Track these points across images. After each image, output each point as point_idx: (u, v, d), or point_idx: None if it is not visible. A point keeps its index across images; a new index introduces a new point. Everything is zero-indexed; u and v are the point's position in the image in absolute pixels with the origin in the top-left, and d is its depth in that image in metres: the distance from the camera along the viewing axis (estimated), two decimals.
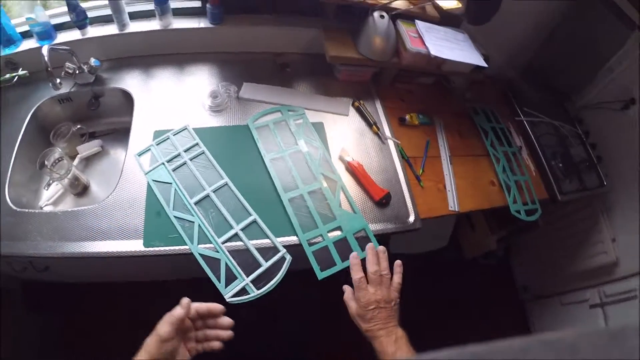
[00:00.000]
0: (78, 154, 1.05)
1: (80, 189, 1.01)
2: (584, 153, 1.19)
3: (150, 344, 0.53)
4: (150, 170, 0.86)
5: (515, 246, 1.59)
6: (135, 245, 0.79)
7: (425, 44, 0.97)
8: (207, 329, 0.60)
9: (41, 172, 0.99)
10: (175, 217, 0.80)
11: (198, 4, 1.00)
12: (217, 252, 0.78)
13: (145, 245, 0.79)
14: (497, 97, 1.22)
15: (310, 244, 0.80)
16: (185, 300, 0.56)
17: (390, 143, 0.96)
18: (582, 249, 1.29)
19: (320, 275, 0.77)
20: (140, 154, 0.89)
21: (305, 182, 0.86)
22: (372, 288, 0.67)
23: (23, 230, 0.82)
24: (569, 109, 1.28)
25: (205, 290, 0.73)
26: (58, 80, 0.91)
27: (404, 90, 1.10)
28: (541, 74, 1.25)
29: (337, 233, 0.82)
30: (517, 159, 1.10)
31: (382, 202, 0.87)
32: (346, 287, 0.71)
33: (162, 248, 0.79)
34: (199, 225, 0.80)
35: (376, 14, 0.94)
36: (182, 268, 1.17)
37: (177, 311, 0.55)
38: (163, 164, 0.87)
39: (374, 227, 0.85)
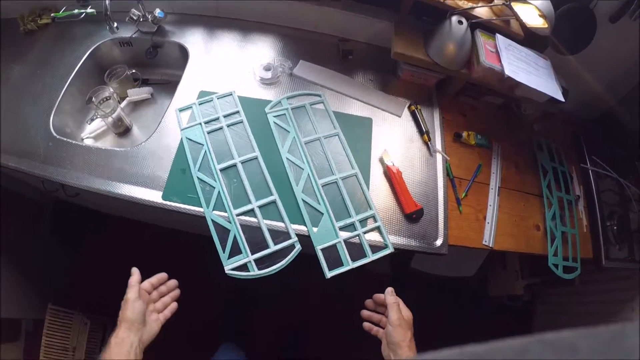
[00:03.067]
0: (127, 96, 1.07)
1: (122, 130, 1.04)
2: None
3: (122, 311, 0.59)
4: (187, 128, 0.86)
5: (544, 295, 1.46)
6: (154, 196, 0.79)
7: (500, 62, 0.88)
8: (161, 298, 0.67)
9: (88, 106, 1.03)
10: (198, 178, 0.79)
11: None
12: (230, 222, 0.75)
13: (164, 198, 0.79)
14: (566, 138, 1.09)
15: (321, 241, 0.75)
16: (134, 268, 0.65)
17: (439, 157, 0.89)
18: (610, 320, 1.17)
19: (328, 274, 0.72)
20: (181, 110, 0.89)
21: (320, 174, 0.81)
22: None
23: (57, 157, 0.86)
24: None
25: (210, 250, 0.75)
26: (115, 25, 0.94)
27: (468, 106, 1.01)
28: (620, 125, 1.11)
29: (348, 229, 0.78)
30: (570, 209, 0.98)
31: (413, 216, 0.80)
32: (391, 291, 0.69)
33: (178, 204, 0.78)
34: (219, 191, 0.78)
35: (454, 19, 0.87)
36: (196, 225, 1.18)
37: (133, 277, 0.64)
38: (200, 124, 0.86)
39: (395, 239, 0.79)
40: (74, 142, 0.89)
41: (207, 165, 0.81)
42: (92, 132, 1.05)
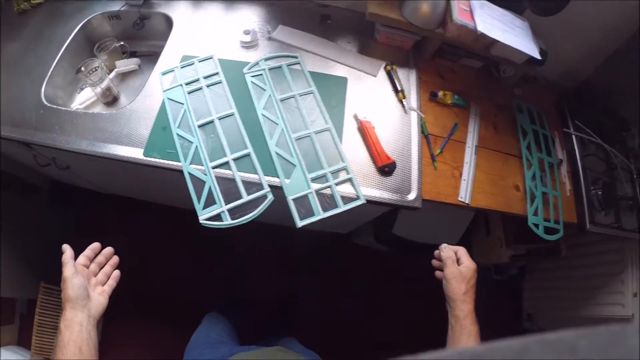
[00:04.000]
0: (116, 68, 1.11)
1: (111, 100, 1.07)
2: (631, 191, 1.03)
3: (63, 292, 0.57)
4: (168, 89, 0.89)
5: (531, 270, 1.46)
6: (136, 153, 0.82)
7: (474, 19, 0.89)
8: (101, 269, 0.65)
9: (79, 77, 1.06)
10: (177, 134, 0.82)
11: None
12: (205, 174, 0.78)
13: (145, 154, 0.81)
14: (549, 104, 1.09)
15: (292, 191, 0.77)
16: (64, 245, 0.61)
17: (413, 115, 0.90)
18: (599, 294, 1.18)
19: (299, 223, 0.74)
20: (164, 73, 0.92)
21: (294, 129, 0.83)
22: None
23: (47, 123, 0.89)
24: (628, 141, 1.12)
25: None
26: None
27: (446, 68, 1.02)
28: (606, 92, 1.10)
29: (320, 181, 0.79)
30: (552, 172, 0.98)
31: (385, 169, 0.82)
32: (446, 247, 0.70)
33: (158, 160, 0.81)
34: (196, 146, 0.80)
35: None
36: (171, 191, 1.20)
37: (65, 254, 0.60)
38: (181, 85, 0.89)
39: (368, 191, 0.80)
40: (63, 108, 0.92)
41: (186, 123, 0.84)
42: (82, 102, 1.08)
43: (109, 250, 0.66)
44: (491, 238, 1.20)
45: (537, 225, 0.91)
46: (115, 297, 0.63)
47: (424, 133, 0.89)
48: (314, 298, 1.50)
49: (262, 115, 0.83)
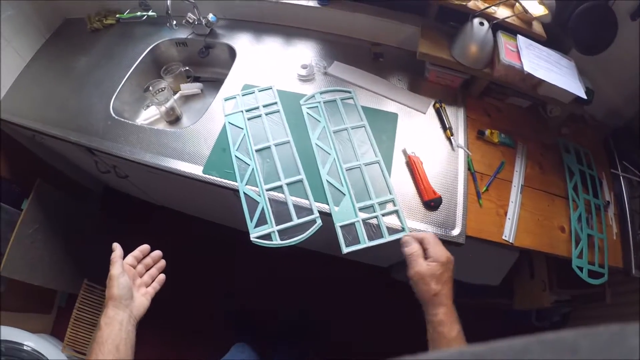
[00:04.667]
0: (180, 90, 1.21)
1: (174, 119, 1.17)
2: None
3: (108, 289, 0.58)
4: (230, 114, 0.96)
5: (575, 318, 1.38)
6: (196, 170, 0.89)
7: (520, 59, 0.91)
8: (147, 271, 0.66)
9: (145, 95, 1.17)
10: (236, 156, 0.88)
11: None
12: (259, 195, 0.83)
13: (204, 172, 0.88)
14: (596, 143, 1.08)
15: (340, 219, 0.80)
16: (114, 244, 0.63)
17: (461, 152, 0.92)
18: None
19: (344, 249, 0.77)
20: (226, 99, 1.00)
21: (345, 160, 0.88)
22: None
23: (114, 134, 0.99)
24: None
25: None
26: (174, 22, 1.09)
27: (493, 107, 1.04)
28: None
29: (367, 211, 0.82)
30: (599, 214, 0.96)
31: (431, 204, 0.84)
32: (409, 239, 0.62)
33: (215, 178, 0.87)
34: (253, 169, 0.86)
35: (476, 21, 0.92)
36: (221, 209, 1.26)
37: (114, 253, 0.62)
38: (242, 111, 0.96)
39: (413, 224, 0.82)
40: (129, 122, 1.02)
41: (244, 147, 0.90)
42: (147, 118, 1.19)
43: (157, 253, 0.67)
44: (535, 281, 1.17)
45: (581, 269, 0.89)
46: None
47: (470, 170, 0.91)
48: (346, 329, 1.50)
49: (316, 144, 0.89)
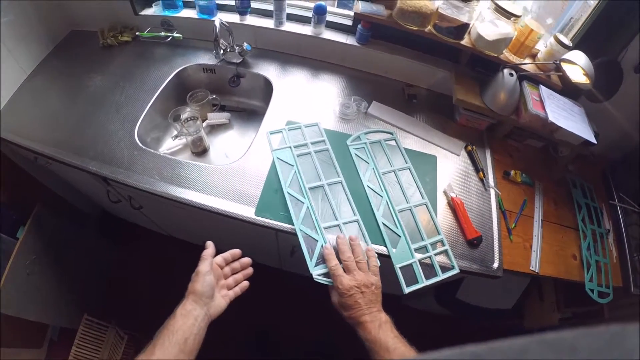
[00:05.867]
0: (207, 119, 1.18)
1: (201, 150, 1.13)
2: None
3: (192, 283, 0.60)
4: (277, 149, 0.96)
5: None
6: (246, 212, 0.87)
7: (545, 109, 1.02)
8: (233, 275, 0.68)
9: (168, 123, 1.10)
10: (288, 193, 0.88)
11: (349, 23, 1.12)
12: (317, 234, 0.84)
13: (257, 214, 0.87)
14: (596, 176, 1.23)
15: (399, 260, 0.85)
16: (208, 242, 0.66)
17: (492, 192, 1.01)
18: None
19: (406, 290, 0.82)
20: (272, 133, 1.00)
21: (396, 202, 0.92)
22: (348, 274, 0.67)
23: (143, 166, 0.92)
24: None
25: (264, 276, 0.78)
26: (221, 52, 1.05)
27: (513, 148, 1.15)
28: None
29: (421, 251, 0.87)
30: (602, 241, 1.10)
31: (473, 242, 0.91)
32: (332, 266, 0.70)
33: (270, 221, 0.86)
34: (307, 207, 0.87)
35: (506, 71, 1.01)
36: (250, 244, 1.24)
37: (207, 250, 0.65)
38: (290, 147, 0.96)
39: (458, 262, 0.89)
40: (159, 153, 0.96)
41: (296, 184, 0.91)
42: (170, 148, 1.14)
43: (246, 260, 0.69)
44: (545, 303, 1.30)
45: (592, 290, 1.02)
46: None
47: (501, 209, 1.00)
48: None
49: (368, 187, 0.92)
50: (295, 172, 0.93)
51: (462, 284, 1.17)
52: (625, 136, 1.20)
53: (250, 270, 0.70)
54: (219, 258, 0.65)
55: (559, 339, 0.16)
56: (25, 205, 1.24)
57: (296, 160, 0.94)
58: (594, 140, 1.05)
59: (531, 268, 0.98)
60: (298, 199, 0.89)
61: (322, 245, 0.80)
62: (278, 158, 0.95)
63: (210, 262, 0.62)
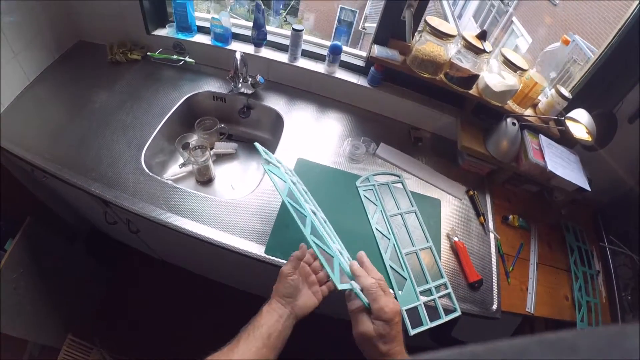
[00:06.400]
0: (213, 147, 1.18)
1: (206, 179, 1.13)
2: None
3: (276, 284, 0.61)
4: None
5: None
6: (255, 249, 0.87)
7: (544, 158, 1.07)
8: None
9: (174, 147, 1.09)
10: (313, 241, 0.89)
11: (362, 64, 1.15)
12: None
13: (267, 252, 0.87)
14: (586, 218, 1.30)
15: (405, 303, 0.87)
16: (302, 244, 0.66)
17: (491, 236, 1.05)
18: None
19: (411, 332, 0.84)
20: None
21: (402, 245, 0.94)
22: (390, 296, 0.56)
23: (149, 194, 0.90)
24: None
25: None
26: (240, 85, 1.06)
27: (511, 192, 1.20)
28: (634, 206, 1.32)
29: (426, 294, 0.90)
30: (592, 282, 1.16)
31: (474, 285, 0.95)
32: (351, 294, 0.58)
33: (277, 259, 0.86)
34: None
35: (509, 120, 1.06)
36: (247, 277, 1.24)
37: (296, 252, 0.64)
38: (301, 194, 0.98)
39: (460, 304, 0.92)
40: (169, 182, 0.95)
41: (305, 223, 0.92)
42: (175, 174, 1.13)
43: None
44: None
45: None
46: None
47: (500, 252, 1.04)
48: None
49: (376, 229, 0.95)
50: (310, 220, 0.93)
51: (458, 322, 1.20)
52: (615, 181, 1.27)
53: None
54: (308, 255, 0.65)
55: (559, 339, 0.16)
56: (16, 217, 1.20)
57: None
58: (588, 188, 1.11)
59: (527, 309, 1.02)
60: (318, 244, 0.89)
61: (347, 259, 0.74)
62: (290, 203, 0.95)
63: (294, 263, 0.61)
